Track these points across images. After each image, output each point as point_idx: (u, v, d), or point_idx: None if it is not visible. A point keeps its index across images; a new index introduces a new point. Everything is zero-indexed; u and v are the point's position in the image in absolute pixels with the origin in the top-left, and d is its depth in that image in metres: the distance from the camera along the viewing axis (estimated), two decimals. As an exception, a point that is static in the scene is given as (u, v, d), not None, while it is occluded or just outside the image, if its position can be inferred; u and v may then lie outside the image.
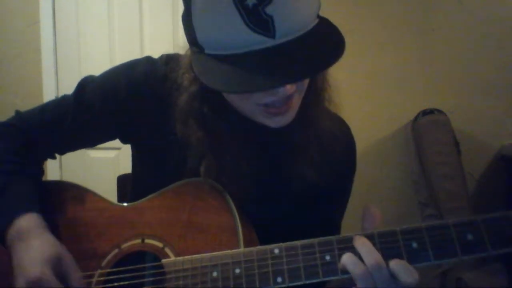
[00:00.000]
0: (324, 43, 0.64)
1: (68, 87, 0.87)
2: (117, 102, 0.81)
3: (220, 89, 0.67)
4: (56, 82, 2.55)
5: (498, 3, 2.37)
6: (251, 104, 0.69)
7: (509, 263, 2.03)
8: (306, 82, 0.71)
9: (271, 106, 0.68)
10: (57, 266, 0.70)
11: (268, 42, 0.61)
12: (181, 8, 0.68)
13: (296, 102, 0.71)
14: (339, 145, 0.85)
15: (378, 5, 2.42)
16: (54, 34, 2.57)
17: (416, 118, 2.31)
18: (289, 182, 0.80)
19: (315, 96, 0.77)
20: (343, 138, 0.87)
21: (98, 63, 2.48)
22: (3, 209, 0.76)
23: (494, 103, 2.37)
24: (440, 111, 2.29)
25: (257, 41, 0.61)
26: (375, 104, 2.41)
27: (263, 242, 0.72)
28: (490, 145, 2.38)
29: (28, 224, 0.73)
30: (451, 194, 2.15)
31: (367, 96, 2.37)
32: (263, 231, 0.75)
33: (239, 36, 0.61)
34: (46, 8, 2.55)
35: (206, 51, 0.65)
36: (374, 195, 2.38)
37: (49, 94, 2.51)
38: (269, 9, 0.59)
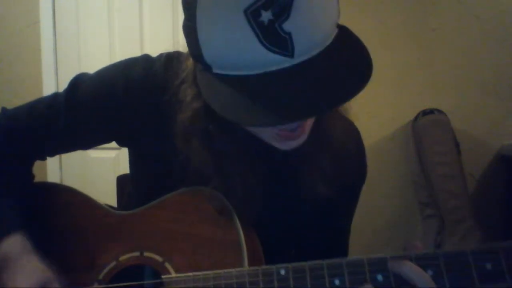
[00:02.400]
0: (348, 58, 0.57)
1: None
2: (112, 104, 0.75)
3: (236, 121, 0.58)
4: (56, 82, 2.54)
5: (498, 3, 2.36)
6: (262, 132, 0.65)
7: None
8: None
9: (284, 130, 0.62)
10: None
11: (286, 62, 0.54)
12: (181, 8, 0.62)
13: (309, 124, 0.66)
14: (350, 152, 0.81)
15: (378, 5, 2.41)
16: (54, 34, 2.57)
17: (416, 118, 2.31)
18: (299, 197, 0.75)
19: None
20: (354, 144, 0.83)
21: (98, 63, 2.46)
22: None
23: (494, 103, 2.37)
24: (440, 111, 2.29)
25: (273, 61, 0.54)
26: (375, 104, 2.41)
27: (271, 255, 0.70)
28: (490, 145, 2.38)
29: (11, 249, 0.68)
30: (451, 194, 2.15)
31: (367, 96, 2.36)
32: (272, 245, 0.72)
33: (253, 56, 0.54)
34: (46, 8, 2.55)
35: (214, 70, 0.58)
36: (374, 195, 2.38)
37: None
38: (287, 26, 0.52)
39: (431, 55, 2.40)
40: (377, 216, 2.39)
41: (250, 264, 0.66)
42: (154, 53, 0.82)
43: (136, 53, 0.84)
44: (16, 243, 0.69)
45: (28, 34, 2.57)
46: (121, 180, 1.22)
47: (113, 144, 0.87)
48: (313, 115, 0.59)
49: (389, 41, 2.41)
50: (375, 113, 2.42)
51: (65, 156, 0.84)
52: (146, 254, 0.72)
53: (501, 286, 0.57)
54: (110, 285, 0.72)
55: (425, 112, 2.28)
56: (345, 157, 0.78)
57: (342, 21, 0.64)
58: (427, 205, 2.26)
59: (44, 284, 0.66)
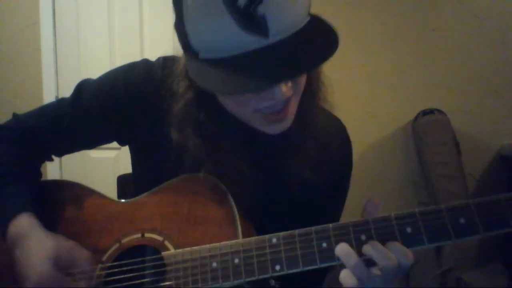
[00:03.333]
0: (318, 39, 0.64)
1: (68, 87, 0.87)
2: (114, 105, 0.81)
3: (216, 92, 0.67)
4: (56, 82, 2.54)
5: (498, 3, 2.36)
6: (248, 111, 0.69)
7: (509, 263, 2.03)
8: (302, 84, 0.72)
9: (269, 112, 0.68)
10: (59, 258, 0.72)
11: (262, 42, 0.61)
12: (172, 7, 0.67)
13: (293, 108, 0.72)
14: (335, 143, 0.86)
15: (378, 5, 2.42)
16: (54, 34, 2.57)
17: (416, 118, 2.31)
18: (288, 182, 0.80)
19: (311, 97, 0.77)
20: (339, 136, 0.89)
21: (98, 63, 2.48)
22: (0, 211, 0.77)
23: (494, 103, 2.37)
24: (440, 111, 2.29)
25: (251, 42, 0.60)
26: (375, 104, 2.41)
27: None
28: (490, 145, 2.38)
29: (21, 227, 0.75)
30: (451, 194, 2.15)
31: (367, 96, 2.37)
32: (263, 230, 0.75)
33: (232, 38, 0.60)
34: (46, 8, 2.55)
35: (201, 55, 0.65)
36: (374, 195, 2.38)
37: (49, 94, 2.51)
38: (261, 9, 0.59)
39: (431, 55, 2.40)
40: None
41: (244, 238, 0.71)
42: (154, 53, 0.85)
43: (136, 53, 0.87)
44: (25, 222, 0.75)
45: (28, 34, 2.58)
46: (121, 180, 1.22)
47: (113, 144, 0.89)
48: (285, 79, 0.64)
49: (389, 41, 2.41)
50: (375, 113, 2.42)
51: (65, 156, 0.86)
52: (146, 235, 0.77)
53: (476, 238, 0.62)
54: (114, 263, 0.76)
55: (425, 112, 2.29)
56: (330, 144, 0.84)
57: (342, 21, 0.65)
58: (427, 205, 2.25)
59: (55, 248, 0.73)
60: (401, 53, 2.41)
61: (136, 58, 0.88)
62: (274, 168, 0.81)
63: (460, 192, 2.16)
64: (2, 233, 0.76)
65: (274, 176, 0.81)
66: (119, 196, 1.19)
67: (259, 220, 0.77)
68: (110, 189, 1.22)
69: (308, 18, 0.66)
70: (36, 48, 2.57)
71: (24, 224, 0.75)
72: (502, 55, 2.36)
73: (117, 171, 1.30)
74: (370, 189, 2.37)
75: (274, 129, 0.72)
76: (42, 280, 0.69)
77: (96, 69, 0.87)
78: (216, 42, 0.62)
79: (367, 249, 0.62)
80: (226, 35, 0.60)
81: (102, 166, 2.54)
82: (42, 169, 0.90)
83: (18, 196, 0.79)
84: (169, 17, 2.48)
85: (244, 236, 0.71)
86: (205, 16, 0.61)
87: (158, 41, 2.49)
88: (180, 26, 0.65)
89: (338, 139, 0.88)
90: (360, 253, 0.63)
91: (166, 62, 0.82)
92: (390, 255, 0.61)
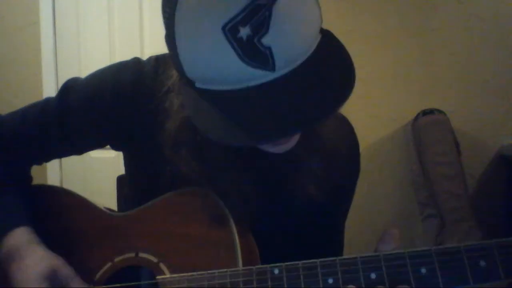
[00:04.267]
0: (331, 68, 0.57)
1: None
2: (101, 110, 0.76)
3: (219, 140, 0.58)
4: (56, 82, 2.54)
5: (498, 2, 2.36)
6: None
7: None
8: None
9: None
10: (54, 279, 0.68)
11: (268, 76, 0.53)
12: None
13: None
14: (342, 152, 0.80)
15: (378, 5, 2.41)
16: (54, 34, 2.57)
17: (416, 118, 2.31)
18: (292, 200, 0.76)
19: None
20: (346, 142, 0.83)
21: (98, 63, 2.46)
22: None
23: (494, 103, 2.37)
24: (440, 111, 2.29)
25: (255, 76, 0.53)
26: (375, 104, 2.41)
27: (265, 257, 0.70)
28: (490, 145, 2.38)
29: (17, 242, 0.70)
30: (451, 194, 2.15)
31: (367, 96, 2.37)
32: (267, 247, 0.72)
33: (234, 72, 0.53)
34: (46, 8, 2.55)
35: (197, 84, 0.57)
36: (374, 195, 2.38)
37: (49, 94, 2.48)
38: (266, 40, 0.52)
39: (431, 55, 2.40)
40: (377, 216, 2.39)
41: (245, 265, 0.66)
42: (154, 53, 0.82)
43: (136, 53, 0.84)
44: (22, 236, 0.71)
45: (28, 34, 2.57)
46: (121, 180, 1.22)
47: (113, 144, 0.87)
48: (297, 131, 0.59)
49: (389, 41, 2.41)
50: (375, 113, 2.42)
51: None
52: (141, 255, 0.72)
53: (495, 283, 0.57)
54: (104, 286, 0.73)
55: (425, 112, 2.28)
56: (337, 158, 0.78)
57: (342, 22, 0.64)
58: (427, 205, 2.26)
59: (53, 267, 0.68)
60: (401, 53, 2.41)
61: None
62: (276, 185, 0.76)
63: (460, 192, 2.16)
64: None
65: (277, 193, 0.76)
66: (119, 196, 1.19)
67: (262, 236, 0.72)
68: (110, 189, 1.22)
69: (319, 37, 0.58)
70: (36, 48, 2.57)
71: (22, 238, 0.71)
72: (502, 55, 2.36)
73: (117, 171, 1.29)
74: (370, 189, 2.37)
75: (278, 149, 0.66)
76: None
77: (96, 69, 0.84)
78: (214, 75, 0.55)
79: None
80: (226, 68, 0.53)
81: (102, 166, 2.54)
82: (42, 169, 0.89)
83: (13, 207, 0.75)
84: (169, 17, 2.48)
85: (245, 261, 0.67)
86: (202, 46, 0.53)
87: (158, 41, 2.47)
88: (172, 49, 0.58)
89: (346, 142, 0.82)
90: None
91: (158, 63, 0.76)
92: None
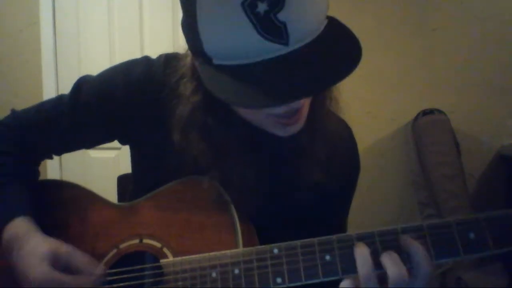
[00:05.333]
0: (339, 45, 0.61)
1: (68, 87, 0.86)
2: (113, 104, 0.79)
3: (233, 104, 0.64)
4: (56, 82, 2.54)
5: (498, 2, 2.36)
6: (261, 115, 0.67)
7: (509, 263, 2.03)
8: None
9: (282, 117, 0.66)
10: (56, 261, 0.71)
11: (281, 50, 0.58)
12: (181, 8, 0.65)
13: (305, 110, 0.69)
14: (343, 146, 0.84)
15: (378, 5, 2.42)
16: (54, 34, 2.57)
17: (416, 118, 2.31)
18: (297, 185, 0.78)
19: (322, 99, 0.75)
20: (346, 140, 0.86)
21: (98, 63, 2.47)
22: None
23: (494, 103, 2.37)
24: (440, 111, 2.29)
25: (270, 49, 0.58)
26: (375, 104, 2.41)
27: (265, 242, 0.71)
28: (490, 145, 2.38)
29: (17, 231, 0.73)
30: (451, 194, 2.15)
31: (367, 96, 2.37)
32: (269, 234, 0.74)
33: (251, 45, 0.57)
34: (46, 8, 2.55)
35: (215, 61, 0.61)
36: (374, 195, 2.38)
37: (49, 94, 2.50)
38: (282, 16, 0.56)
39: (431, 55, 2.40)
40: (377, 216, 2.39)
41: (245, 247, 0.69)
42: (154, 53, 0.84)
43: (136, 53, 0.86)
44: (21, 225, 0.74)
45: (28, 34, 2.58)
46: (122, 180, 1.22)
47: (113, 144, 0.89)
48: (310, 94, 0.63)
49: (389, 41, 2.41)
50: (375, 113, 2.42)
51: (65, 156, 0.84)
52: (145, 241, 0.75)
53: (485, 255, 0.59)
54: (111, 270, 0.75)
55: (425, 112, 2.29)
56: (339, 148, 0.81)
57: (342, 21, 0.65)
58: (427, 205, 2.26)
59: (52, 249, 0.71)
60: (401, 53, 2.41)
61: (136, 58, 0.86)
62: (282, 172, 0.79)
63: (460, 192, 2.16)
64: None
65: (283, 179, 0.79)
66: (119, 196, 1.19)
67: (265, 225, 0.75)
68: (110, 189, 1.22)
69: (326, 21, 0.63)
70: (36, 48, 2.57)
71: (21, 227, 0.74)
72: (502, 55, 2.36)
73: (117, 171, 1.29)
74: (370, 189, 2.37)
75: (285, 131, 0.69)
76: (41, 280, 0.68)
77: (96, 69, 0.85)
78: (233, 49, 0.59)
79: (386, 258, 0.59)
80: (244, 42, 0.57)
81: (102, 166, 2.54)
82: (42, 169, 0.89)
83: (14, 198, 0.78)
84: (169, 17, 2.48)
85: (245, 243, 0.70)
86: (222, 21, 0.57)
87: (158, 41, 2.49)
88: (191, 29, 0.61)
89: (346, 143, 0.86)
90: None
91: (169, 60, 0.79)
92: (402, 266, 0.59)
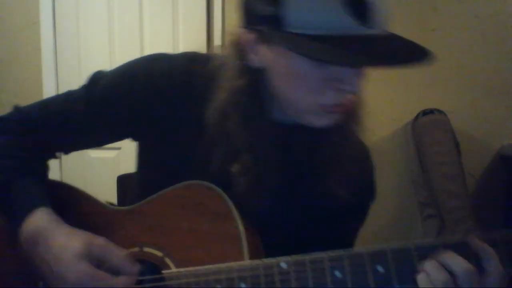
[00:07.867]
0: (408, 41, 0.67)
1: (68, 87, 0.85)
2: (133, 99, 0.76)
3: (316, 57, 0.63)
4: (56, 82, 2.54)
5: (498, 2, 2.36)
6: (311, 100, 0.67)
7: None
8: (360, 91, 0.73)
9: (329, 104, 0.68)
10: (90, 254, 0.66)
11: (361, 30, 0.61)
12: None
13: (351, 107, 0.74)
14: (363, 164, 0.87)
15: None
16: (54, 34, 2.57)
17: (416, 118, 2.31)
18: (314, 197, 0.77)
19: (355, 111, 0.78)
20: (366, 160, 0.89)
21: (98, 63, 2.47)
22: (11, 208, 0.72)
23: (494, 103, 2.37)
24: (440, 111, 2.29)
25: (352, 27, 0.60)
26: (375, 104, 2.41)
27: (272, 251, 0.70)
28: (490, 145, 2.38)
29: (40, 223, 0.69)
30: (451, 194, 2.15)
31: (367, 96, 2.36)
32: (276, 241, 0.72)
33: (335, 19, 0.60)
34: (46, 8, 2.55)
35: (289, 29, 0.62)
36: (374, 195, 2.38)
37: (49, 94, 2.47)
38: None
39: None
40: (377, 216, 2.39)
41: (251, 258, 0.66)
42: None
43: (136, 53, 0.85)
44: (43, 217, 0.70)
45: (28, 34, 2.57)
46: (122, 180, 1.22)
47: (113, 144, 0.87)
48: (395, 63, 0.66)
49: (389, 41, 2.41)
50: (375, 113, 2.41)
51: (65, 156, 0.82)
52: (145, 249, 0.72)
53: None
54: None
55: (425, 112, 2.28)
56: (360, 164, 0.83)
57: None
58: (427, 205, 2.26)
59: (86, 242, 0.67)
60: (401, 53, 2.41)
61: (136, 58, 0.85)
62: (305, 181, 0.77)
63: (460, 192, 2.16)
64: (14, 229, 0.70)
65: (302, 188, 0.78)
66: (119, 197, 1.19)
67: (273, 224, 0.73)
68: (110, 189, 1.22)
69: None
70: (36, 48, 2.56)
71: (43, 220, 0.69)
72: (502, 55, 2.35)
73: (117, 171, 1.29)
74: (370, 189, 2.36)
75: (323, 121, 0.70)
76: (81, 278, 0.64)
77: (96, 69, 0.84)
78: (317, 21, 0.61)
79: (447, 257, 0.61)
80: (329, 16, 0.60)
81: (102, 166, 2.54)
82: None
83: (31, 190, 0.73)
84: (169, 17, 2.48)
85: (250, 253, 0.67)
86: None
87: (158, 41, 2.48)
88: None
89: (365, 164, 0.88)
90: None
91: (194, 56, 0.79)
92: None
